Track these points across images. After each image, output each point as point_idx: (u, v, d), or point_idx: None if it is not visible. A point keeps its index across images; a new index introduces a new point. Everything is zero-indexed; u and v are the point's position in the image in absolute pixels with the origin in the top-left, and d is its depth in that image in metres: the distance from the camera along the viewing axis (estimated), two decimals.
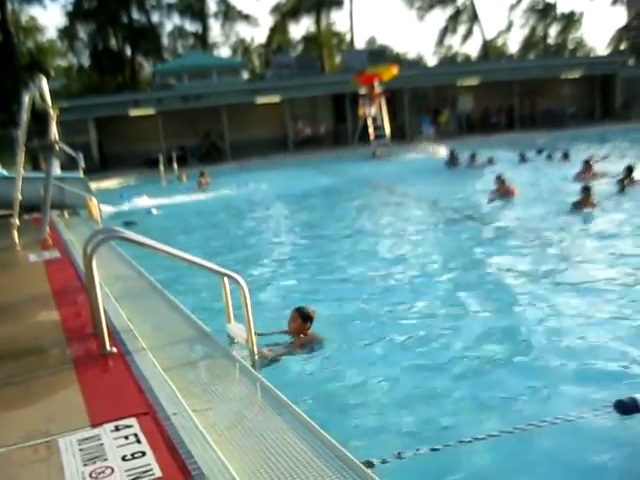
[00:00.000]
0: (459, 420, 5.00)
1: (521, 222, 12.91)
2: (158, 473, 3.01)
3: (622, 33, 66.05)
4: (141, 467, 3.07)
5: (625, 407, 4.28)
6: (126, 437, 3.39)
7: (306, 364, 6.18)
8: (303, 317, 6.44)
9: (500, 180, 15.58)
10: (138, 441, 3.34)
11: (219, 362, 4.77)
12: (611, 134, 31.57)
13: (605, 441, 4.56)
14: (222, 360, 4.81)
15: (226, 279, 5.32)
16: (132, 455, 3.19)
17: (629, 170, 15.03)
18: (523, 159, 23.47)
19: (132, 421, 3.58)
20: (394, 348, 6.63)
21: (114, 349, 4.80)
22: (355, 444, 4.12)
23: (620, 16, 67.47)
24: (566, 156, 22.71)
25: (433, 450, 3.73)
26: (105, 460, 3.17)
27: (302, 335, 6.45)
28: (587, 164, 17.43)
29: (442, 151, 26.98)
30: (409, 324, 7.26)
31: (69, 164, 15.25)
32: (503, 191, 15.33)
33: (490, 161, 22.92)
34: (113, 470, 3.07)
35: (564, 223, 12.22)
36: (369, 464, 3.36)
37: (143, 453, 3.21)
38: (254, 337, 5.02)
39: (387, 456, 3.66)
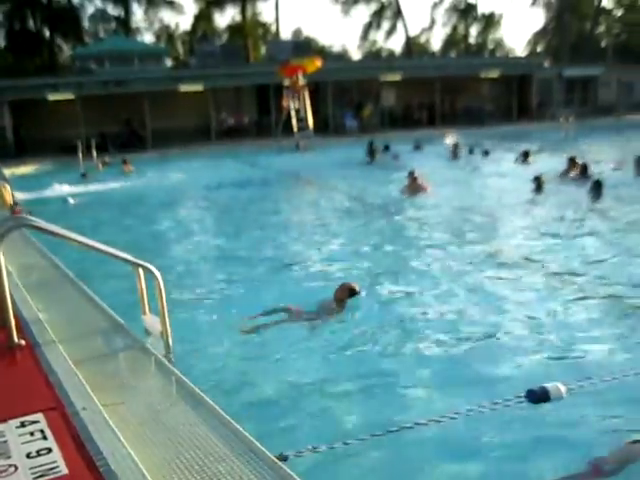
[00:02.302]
0: (373, 413, 5.06)
1: (431, 217, 13.28)
2: (64, 470, 2.93)
3: (539, 36, 68.28)
4: (46, 464, 2.98)
5: (536, 396, 4.40)
6: (32, 433, 3.28)
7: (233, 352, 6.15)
8: (352, 292, 7.38)
9: (412, 176, 15.84)
10: (44, 437, 3.23)
11: (133, 355, 4.67)
12: (527, 132, 32.55)
13: (518, 430, 4.70)
14: (136, 353, 4.70)
15: (141, 270, 5.21)
16: (37, 452, 3.09)
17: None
18: (418, 148, 26.32)
19: (39, 416, 3.46)
20: (314, 340, 6.66)
21: (22, 341, 4.64)
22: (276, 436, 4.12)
23: (538, 19, 69.55)
24: (486, 153, 23.40)
25: (346, 444, 3.75)
26: (8, 458, 3.06)
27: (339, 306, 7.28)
28: (572, 161, 17.52)
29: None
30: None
31: None
32: (415, 187, 15.59)
33: (395, 157, 23.63)
34: (17, 468, 2.96)
35: (481, 217, 12.58)
36: (283, 457, 3.35)
37: (49, 450, 3.11)
38: (169, 329, 4.93)
39: (302, 449, 3.66)
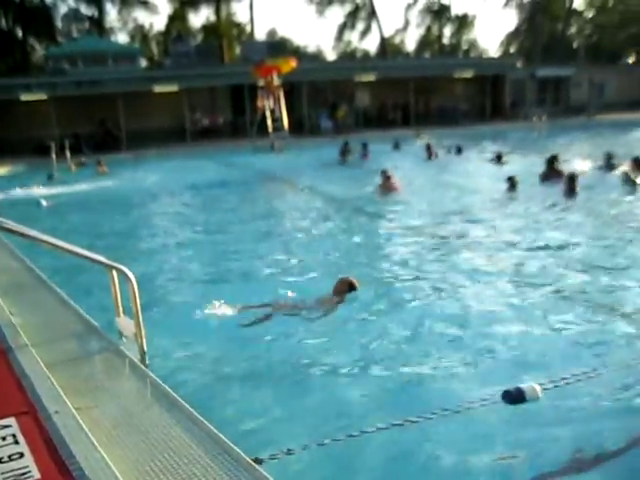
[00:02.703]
0: (348, 414, 5.07)
1: (403, 215, 13.45)
2: (37, 475, 2.91)
3: (512, 36, 68.95)
4: (18, 469, 2.96)
5: (512, 397, 4.45)
6: (3, 438, 3.26)
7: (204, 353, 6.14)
8: (351, 287, 7.58)
9: (385, 175, 15.95)
10: (16, 442, 3.21)
11: (107, 358, 4.66)
12: (501, 132, 32.82)
13: (494, 430, 4.75)
14: (110, 355, 4.69)
15: (115, 272, 5.18)
16: (9, 457, 3.07)
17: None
18: (397, 147, 26.77)
19: (11, 421, 3.44)
20: (294, 339, 6.67)
21: None
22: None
23: (511, 20, 70.25)
24: (459, 150, 23.61)
25: (320, 445, 3.76)
26: None
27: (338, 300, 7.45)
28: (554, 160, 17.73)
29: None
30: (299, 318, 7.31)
31: None
32: (388, 186, 15.72)
33: (365, 154, 23.78)
34: None
35: (455, 217, 12.70)
36: (258, 460, 3.36)
37: (21, 454, 3.09)
38: (143, 331, 4.91)
39: (276, 452, 3.67)
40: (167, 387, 3.95)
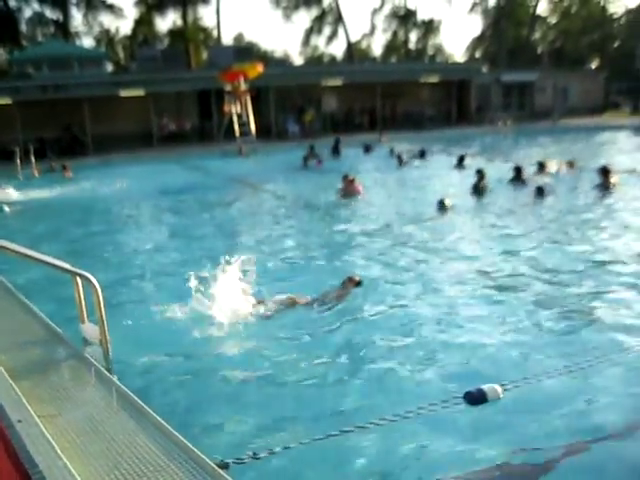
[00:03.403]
0: (311, 418, 5.08)
1: (363, 217, 13.83)
2: None
3: (477, 42, 69.75)
4: None
5: (474, 398, 4.51)
6: None
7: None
8: (357, 284, 8.11)
9: (347, 179, 16.17)
10: None
11: (72, 365, 4.62)
12: (467, 136, 33.17)
13: (457, 430, 4.79)
14: (75, 363, 4.65)
15: (79, 279, 5.13)
16: None
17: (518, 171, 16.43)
18: (367, 150, 27.09)
19: None
20: (262, 340, 6.67)
21: None
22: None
23: (476, 26, 71.01)
24: (423, 154, 23.82)
25: (286, 449, 3.77)
26: None
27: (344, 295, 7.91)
28: (540, 165, 18.00)
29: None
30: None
31: None
32: (350, 189, 15.91)
33: (319, 161, 24.02)
34: None
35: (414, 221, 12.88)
36: (224, 465, 3.35)
37: None
38: (108, 338, 4.87)
39: (243, 456, 3.67)
40: (132, 394, 3.93)
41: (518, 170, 16.11)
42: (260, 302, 7.63)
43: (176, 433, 3.41)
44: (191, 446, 3.27)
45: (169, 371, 6.04)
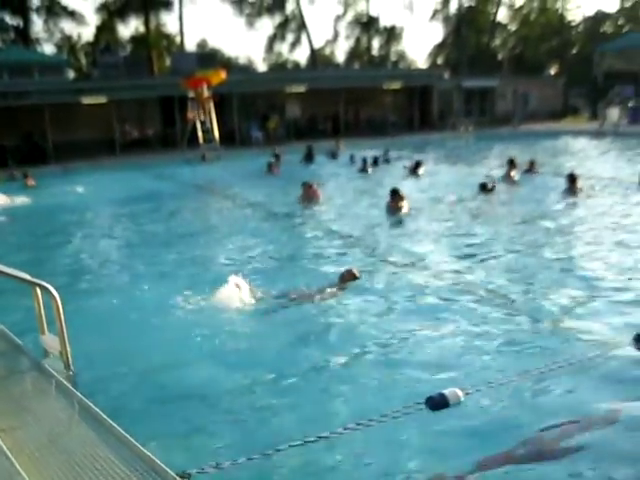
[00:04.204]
0: (274, 428, 5.09)
1: (321, 222, 14.04)
2: None
3: (439, 48, 70.52)
4: None
5: (435, 403, 4.54)
6: None
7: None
8: (354, 278, 8.60)
9: (306, 186, 16.47)
10: None
11: (32, 377, 4.57)
12: (429, 141, 33.49)
13: (421, 436, 4.84)
14: (35, 374, 4.60)
15: (38, 289, 5.08)
16: None
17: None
18: (334, 156, 27.77)
19: None
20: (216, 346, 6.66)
21: None
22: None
23: (438, 32, 71.72)
24: (387, 160, 23.96)
25: (250, 460, 3.75)
26: None
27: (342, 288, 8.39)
28: (511, 163, 18.23)
29: None
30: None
31: None
32: (309, 196, 16.25)
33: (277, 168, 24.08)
34: None
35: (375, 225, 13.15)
36: (185, 475, 3.34)
37: None
38: (69, 349, 4.83)
39: (205, 466, 3.65)
40: (93, 405, 3.90)
41: (484, 186, 16.09)
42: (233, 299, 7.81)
43: (137, 444, 3.39)
44: (152, 456, 3.26)
45: (133, 381, 5.99)
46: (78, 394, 4.13)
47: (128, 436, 3.48)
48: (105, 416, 3.76)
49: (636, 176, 15.58)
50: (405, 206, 13.75)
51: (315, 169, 24.21)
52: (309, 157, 27.36)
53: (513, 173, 17.84)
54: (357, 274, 8.74)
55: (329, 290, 8.31)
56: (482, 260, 9.97)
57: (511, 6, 68.26)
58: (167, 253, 11.66)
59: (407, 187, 16.03)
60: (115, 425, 3.64)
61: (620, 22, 66.70)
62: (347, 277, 8.62)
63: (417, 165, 21.01)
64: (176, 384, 5.96)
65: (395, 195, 13.87)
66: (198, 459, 4.03)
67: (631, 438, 4.83)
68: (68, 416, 3.88)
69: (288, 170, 23.65)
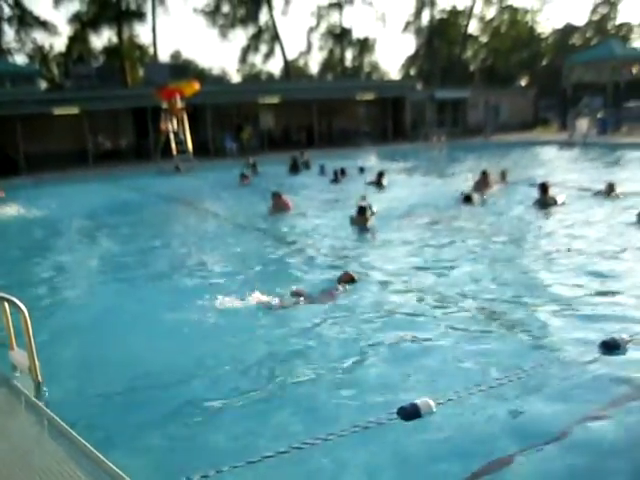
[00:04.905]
0: (250, 438, 5.09)
1: (290, 233, 14.15)
2: None
3: (411, 60, 71.13)
4: None
5: (407, 413, 4.58)
6: None
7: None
8: (352, 280, 8.90)
9: (276, 196, 16.59)
10: None
11: None
12: (402, 152, 33.67)
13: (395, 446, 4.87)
14: (3, 391, 4.55)
15: (6, 304, 5.03)
16: None
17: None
18: (307, 166, 28.01)
19: None
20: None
21: None
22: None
23: (410, 44, 72.33)
24: (362, 170, 24.02)
25: (204, 477, 3.72)
26: None
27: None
28: (484, 175, 18.23)
29: None
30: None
31: None
32: (279, 206, 16.36)
33: (245, 178, 24.14)
34: None
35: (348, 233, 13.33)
36: None
37: None
38: (38, 364, 4.78)
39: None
40: (62, 422, 3.87)
41: (467, 197, 16.16)
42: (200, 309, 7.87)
43: (105, 460, 3.38)
44: (121, 472, 3.24)
45: (104, 393, 5.94)
46: (47, 411, 4.09)
47: (97, 452, 3.46)
48: (74, 433, 3.73)
49: (603, 185, 15.81)
50: (370, 219, 13.81)
51: (295, 180, 24.20)
52: (294, 168, 27.35)
53: (490, 184, 17.96)
54: (355, 276, 9.02)
55: (326, 293, 8.45)
56: (451, 270, 10.01)
57: (482, 18, 69.27)
58: (136, 265, 11.61)
59: (372, 199, 16.09)
60: (84, 442, 3.61)
61: (588, 34, 68.06)
62: (345, 279, 8.87)
63: (380, 176, 20.87)
64: (149, 397, 5.92)
65: (361, 209, 13.92)
66: (171, 474, 4.02)
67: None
68: (36, 433, 3.84)
69: (264, 181, 23.66)
